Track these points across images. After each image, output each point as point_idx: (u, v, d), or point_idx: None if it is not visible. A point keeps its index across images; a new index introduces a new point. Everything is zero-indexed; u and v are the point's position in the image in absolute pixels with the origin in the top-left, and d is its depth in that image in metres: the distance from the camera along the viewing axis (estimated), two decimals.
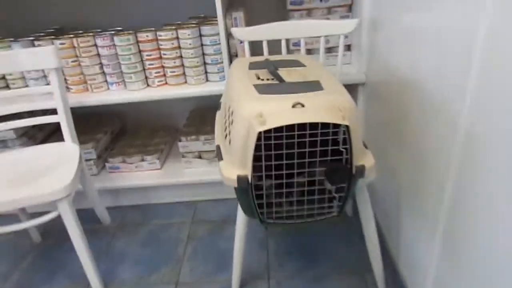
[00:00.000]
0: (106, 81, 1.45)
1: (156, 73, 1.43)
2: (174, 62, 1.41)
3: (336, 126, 0.79)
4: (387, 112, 1.21)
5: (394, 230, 1.22)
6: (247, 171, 0.80)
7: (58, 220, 1.12)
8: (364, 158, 0.85)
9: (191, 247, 1.42)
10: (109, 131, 1.73)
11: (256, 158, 0.79)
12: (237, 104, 0.83)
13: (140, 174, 1.60)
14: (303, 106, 0.79)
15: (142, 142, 1.71)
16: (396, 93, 1.11)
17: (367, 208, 1.08)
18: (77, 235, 1.13)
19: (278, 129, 0.77)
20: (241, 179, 0.81)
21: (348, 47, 1.52)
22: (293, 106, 0.79)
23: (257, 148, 0.78)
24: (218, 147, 0.94)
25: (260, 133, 0.75)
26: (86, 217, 1.56)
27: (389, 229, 1.28)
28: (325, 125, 0.78)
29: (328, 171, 0.81)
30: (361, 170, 0.82)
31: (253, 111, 0.78)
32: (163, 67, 1.42)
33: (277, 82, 0.92)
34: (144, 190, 1.61)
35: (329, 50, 1.51)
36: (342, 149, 0.80)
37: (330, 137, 0.79)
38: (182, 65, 1.42)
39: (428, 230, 0.93)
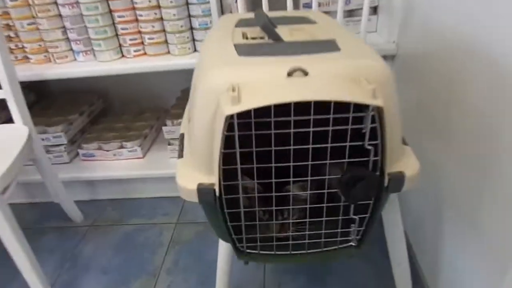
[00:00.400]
0: (71, 49, 1.14)
1: (131, 40, 1.11)
2: (153, 26, 1.08)
3: (360, 108, 0.46)
4: (427, 93, 0.87)
5: (430, 250, 0.89)
6: (214, 178, 0.49)
7: (19, 214, 0.84)
8: (402, 161, 0.53)
9: (172, 254, 1.12)
10: (86, 111, 1.43)
11: (229, 158, 0.48)
12: (202, 71, 0.51)
13: (119, 164, 1.31)
14: (306, 74, 0.47)
15: (125, 126, 1.40)
16: (445, 68, 0.76)
17: (396, 222, 0.76)
18: (16, 249, 0.85)
19: (263, 112, 0.45)
20: (203, 191, 0.49)
21: (374, 10, 1.17)
22: (290, 74, 0.47)
23: (229, 141, 0.46)
24: (182, 136, 0.62)
25: (230, 117, 0.44)
26: (53, 212, 1.28)
27: (421, 247, 0.95)
28: (342, 107, 0.46)
29: (346, 181, 0.49)
30: (398, 180, 0.50)
31: (222, 82, 0.46)
32: (139, 32, 1.11)
33: (271, 41, 0.60)
34: (123, 183, 1.32)
35: (350, 13, 1.16)
36: (368, 147, 0.47)
37: (350, 126, 0.47)
38: (163, 30, 1.10)
39: (491, 263, 0.61)
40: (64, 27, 1.10)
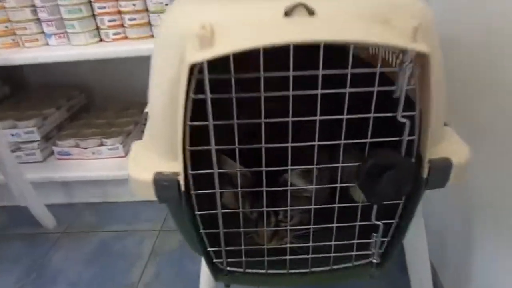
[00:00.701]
0: (42, 32, 0.99)
1: (110, 21, 0.96)
2: (134, 5, 0.94)
3: (389, 60, 0.31)
4: (461, 80, 0.71)
5: (455, 265, 0.73)
6: (177, 165, 0.33)
7: None
8: (444, 143, 0.37)
9: (153, 266, 0.96)
10: (65, 106, 1.27)
11: (202, 135, 0.33)
12: (165, 13, 0.36)
13: (98, 163, 1.15)
14: (311, 13, 0.32)
15: (106, 122, 1.25)
16: (476, 54, 0.61)
17: (418, 230, 0.60)
18: None
19: (248, 65, 0.29)
20: (161, 182, 0.34)
21: None
22: (288, 14, 0.32)
23: (200, 110, 0.31)
24: (145, 115, 0.47)
25: (199, 70, 0.28)
26: (23, 217, 1.12)
27: (444, 260, 0.79)
28: (362, 62, 0.30)
29: (368, 170, 0.33)
30: (443, 170, 0.34)
31: (189, 21, 0.31)
32: (119, 12, 0.96)
33: None
34: (102, 184, 1.16)
35: None
36: (402, 120, 0.32)
37: (376, 88, 0.31)
38: (146, 9, 0.95)
39: None
40: (34, 5, 0.95)
